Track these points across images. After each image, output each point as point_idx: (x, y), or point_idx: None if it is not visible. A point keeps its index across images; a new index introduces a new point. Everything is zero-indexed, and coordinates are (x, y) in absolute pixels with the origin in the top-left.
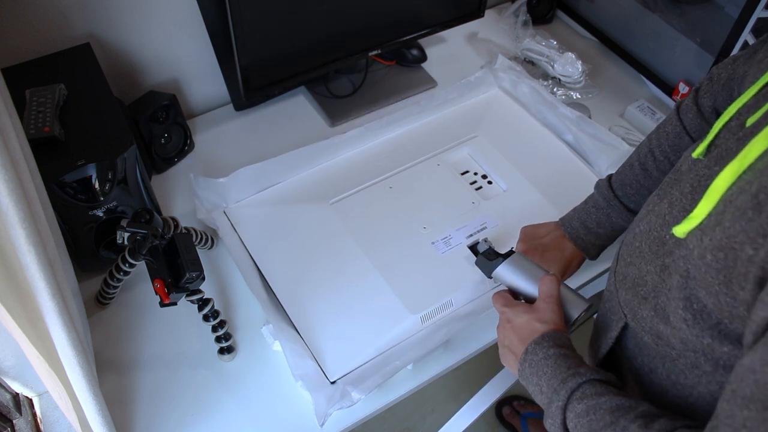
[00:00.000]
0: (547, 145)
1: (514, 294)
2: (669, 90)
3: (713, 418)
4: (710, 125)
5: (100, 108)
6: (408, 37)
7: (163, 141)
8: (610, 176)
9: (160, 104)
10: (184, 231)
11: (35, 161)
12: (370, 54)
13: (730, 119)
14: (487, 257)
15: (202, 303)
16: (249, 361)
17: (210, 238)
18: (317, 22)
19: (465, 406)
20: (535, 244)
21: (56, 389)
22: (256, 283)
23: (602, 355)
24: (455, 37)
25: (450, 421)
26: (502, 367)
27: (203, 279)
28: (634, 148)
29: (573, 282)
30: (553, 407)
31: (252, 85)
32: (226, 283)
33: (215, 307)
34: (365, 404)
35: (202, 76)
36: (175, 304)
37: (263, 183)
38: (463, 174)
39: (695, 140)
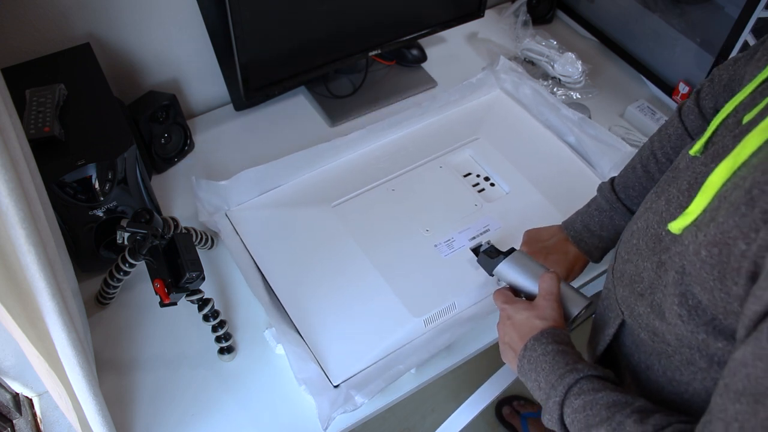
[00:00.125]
0: (549, 146)
1: (515, 292)
2: (669, 90)
3: (707, 412)
4: None
5: (100, 108)
6: (408, 37)
7: (163, 141)
8: (612, 179)
9: (160, 104)
10: (184, 231)
11: (35, 161)
12: (370, 54)
13: (727, 117)
14: (488, 255)
15: (202, 303)
16: (249, 362)
17: (210, 238)
18: (317, 22)
19: (465, 403)
20: (538, 248)
21: (56, 389)
22: (259, 286)
23: (600, 352)
24: (455, 37)
25: (450, 418)
26: (503, 366)
27: (203, 279)
28: (635, 149)
29: (574, 281)
30: (550, 403)
31: (252, 84)
32: (226, 283)
33: (215, 307)
34: (366, 405)
35: (202, 76)
36: (175, 304)
37: (265, 185)
38: (465, 176)
39: None
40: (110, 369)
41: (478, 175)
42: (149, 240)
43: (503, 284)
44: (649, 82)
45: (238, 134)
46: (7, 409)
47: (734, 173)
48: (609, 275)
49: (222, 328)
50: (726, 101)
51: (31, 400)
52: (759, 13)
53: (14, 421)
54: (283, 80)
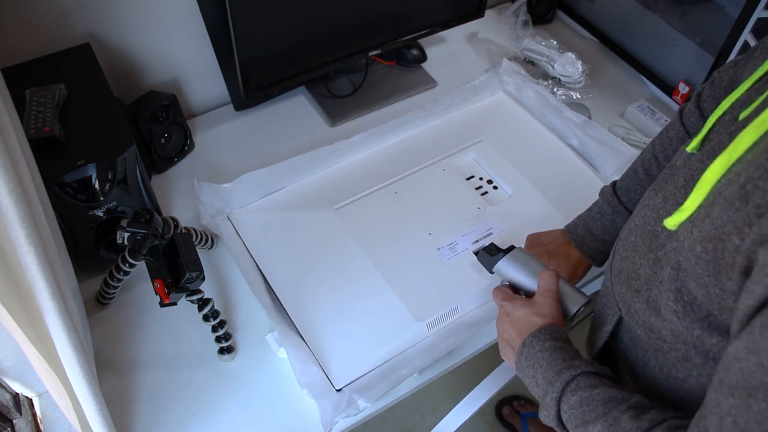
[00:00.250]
0: (553, 149)
1: (515, 289)
2: (669, 90)
3: (701, 407)
4: None
5: (100, 108)
6: (408, 37)
7: (163, 141)
8: (614, 182)
9: (160, 104)
10: (184, 231)
11: (35, 161)
12: (370, 54)
13: (724, 114)
14: (488, 252)
15: (202, 303)
16: (249, 362)
17: (210, 238)
18: (317, 22)
19: (463, 400)
20: (540, 252)
21: (56, 389)
22: (261, 289)
23: (598, 348)
24: (455, 37)
25: (447, 415)
26: (501, 363)
27: (203, 279)
28: (637, 151)
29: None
30: (547, 399)
31: (252, 84)
32: (226, 283)
33: (215, 307)
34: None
35: (202, 76)
36: (175, 304)
37: (267, 188)
38: (468, 179)
39: None
40: (110, 369)
41: (481, 178)
42: (149, 240)
43: (504, 282)
44: (649, 82)
45: (238, 134)
46: (7, 409)
47: (729, 169)
48: (607, 273)
49: (222, 328)
50: None
51: (31, 400)
52: (759, 13)
53: (14, 421)
54: (283, 80)
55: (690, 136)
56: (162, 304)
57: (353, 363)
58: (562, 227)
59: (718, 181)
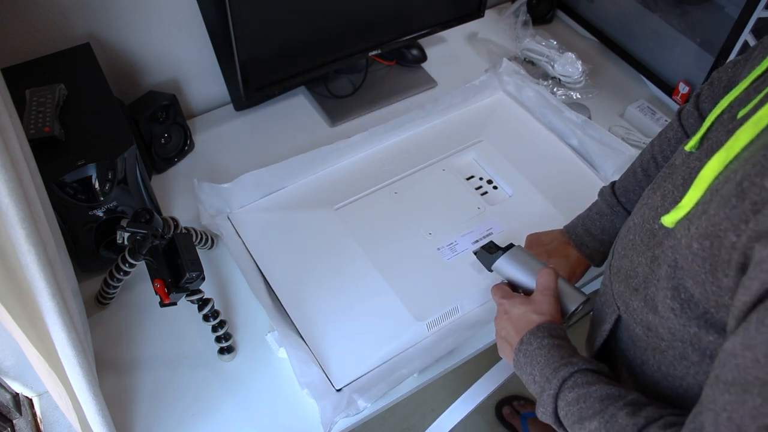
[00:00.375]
0: (553, 149)
1: (514, 287)
2: (669, 90)
3: (698, 404)
4: None
5: (100, 108)
6: (408, 37)
7: (163, 141)
8: (613, 183)
9: (160, 104)
10: (184, 231)
11: (35, 161)
12: (370, 54)
13: (722, 112)
14: (487, 250)
15: (202, 303)
16: (249, 362)
17: (210, 238)
18: (317, 21)
19: (460, 398)
20: (539, 252)
21: (56, 389)
22: (261, 289)
23: (597, 347)
24: (455, 37)
25: (445, 412)
26: (499, 361)
27: (203, 279)
28: (637, 151)
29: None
30: (545, 396)
31: (252, 84)
32: (226, 283)
33: (215, 307)
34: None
35: (202, 76)
36: (175, 304)
37: (267, 188)
38: (468, 179)
39: None
40: (110, 369)
41: (481, 178)
42: (149, 240)
43: (503, 280)
44: (649, 82)
45: (238, 134)
46: (7, 409)
47: (726, 166)
48: (606, 272)
49: (222, 328)
50: None
51: (31, 400)
52: (759, 13)
53: (14, 421)
54: (283, 80)
55: (688, 137)
56: (162, 304)
57: (353, 363)
58: (562, 227)
59: (716, 179)
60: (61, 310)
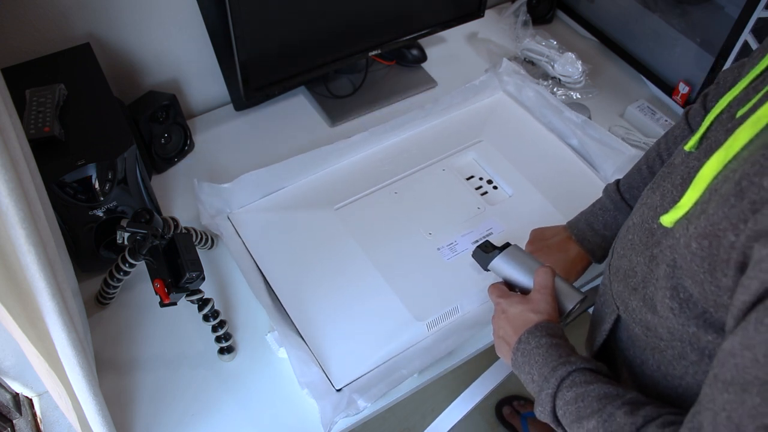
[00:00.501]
0: (553, 149)
1: (510, 286)
2: (669, 90)
3: (696, 403)
4: None
5: (100, 108)
6: (408, 37)
7: (163, 141)
8: (618, 180)
9: (160, 104)
10: (184, 231)
11: (35, 161)
12: (370, 54)
13: (721, 112)
14: (483, 250)
15: (202, 303)
16: (249, 362)
17: (210, 238)
18: (317, 22)
19: (459, 398)
20: (541, 246)
21: (56, 389)
22: (261, 289)
23: (597, 347)
24: (455, 37)
25: (444, 412)
26: (497, 361)
27: (203, 279)
28: (637, 151)
29: (575, 282)
30: (543, 395)
31: (252, 84)
32: (226, 283)
33: (215, 307)
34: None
35: (202, 76)
36: (175, 304)
37: (267, 188)
38: (468, 179)
39: None
40: (110, 369)
41: (480, 178)
42: (149, 240)
43: (499, 279)
44: (649, 82)
45: (238, 134)
46: (7, 409)
47: (725, 166)
48: (606, 271)
49: (222, 328)
50: None
51: (31, 400)
52: (759, 13)
53: (14, 421)
54: (283, 80)
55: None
56: (162, 304)
57: (353, 363)
58: (565, 223)
59: (714, 178)
60: (61, 310)
